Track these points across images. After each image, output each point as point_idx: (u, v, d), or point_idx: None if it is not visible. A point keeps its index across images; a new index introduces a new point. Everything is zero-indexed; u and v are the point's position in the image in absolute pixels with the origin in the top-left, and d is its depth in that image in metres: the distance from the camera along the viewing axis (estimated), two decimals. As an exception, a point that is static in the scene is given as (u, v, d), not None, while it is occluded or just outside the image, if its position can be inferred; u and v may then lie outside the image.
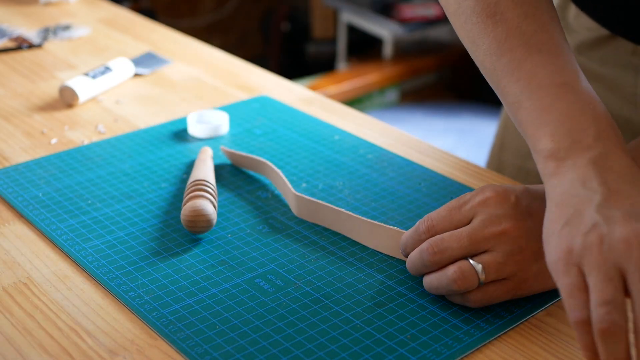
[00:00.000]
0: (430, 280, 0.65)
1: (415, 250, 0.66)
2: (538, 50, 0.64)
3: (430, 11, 2.84)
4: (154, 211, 0.79)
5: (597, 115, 0.60)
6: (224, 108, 1.01)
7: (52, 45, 1.23)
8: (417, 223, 0.67)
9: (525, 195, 0.65)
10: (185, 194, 0.77)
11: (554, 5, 0.68)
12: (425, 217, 0.67)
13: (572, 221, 0.55)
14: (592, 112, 0.60)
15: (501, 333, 0.63)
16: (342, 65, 3.04)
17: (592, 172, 0.56)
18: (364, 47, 3.09)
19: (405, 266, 0.70)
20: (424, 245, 0.65)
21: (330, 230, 0.76)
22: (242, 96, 1.06)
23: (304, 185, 0.84)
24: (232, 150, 0.88)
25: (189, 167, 0.87)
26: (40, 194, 0.81)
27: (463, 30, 0.70)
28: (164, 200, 0.81)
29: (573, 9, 0.93)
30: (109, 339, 0.62)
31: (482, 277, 0.63)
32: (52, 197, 0.81)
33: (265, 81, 1.12)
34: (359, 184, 0.84)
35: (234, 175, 0.86)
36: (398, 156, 0.90)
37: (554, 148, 0.59)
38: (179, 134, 0.95)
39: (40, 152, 0.91)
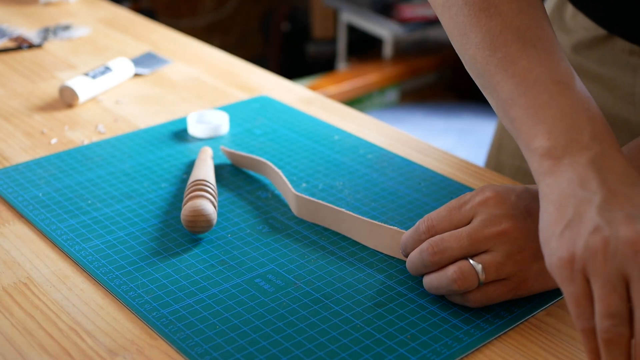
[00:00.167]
0: (430, 280, 0.65)
1: (415, 250, 0.66)
2: (533, 46, 0.62)
3: (430, 11, 2.83)
4: (154, 211, 0.79)
5: (592, 114, 0.59)
6: (224, 108, 1.01)
7: (52, 45, 1.23)
8: (417, 223, 0.67)
9: (525, 195, 0.65)
10: (185, 194, 0.77)
11: (542, 2, 0.67)
12: (425, 217, 0.67)
13: (573, 223, 0.54)
14: (587, 112, 0.59)
15: (501, 333, 0.63)
16: (342, 65, 3.04)
17: (590, 172, 0.56)
18: (364, 47, 3.09)
19: (405, 266, 0.70)
20: (424, 245, 0.65)
21: (330, 230, 0.76)
22: (242, 96, 1.06)
23: (304, 185, 0.84)
24: (232, 150, 0.88)
25: (189, 167, 0.87)
26: (40, 194, 0.81)
27: (453, 22, 0.68)
28: (164, 200, 0.81)
29: (570, 9, 0.93)
30: (109, 339, 0.62)
31: (482, 277, 0.63)
32: (52, 197, 0.81)
33: (265, 81, 1.12)
34: (359, 184, 0.84)
35: (234, 175, 0.86)
36: (398, 156, 0.90)
37: (550, 146, 0.58)
38: (179, 134, 0.95)
39: (40, 152, 0.91)
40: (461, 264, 0.63)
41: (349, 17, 2.99)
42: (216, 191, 0.79)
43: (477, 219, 0.64)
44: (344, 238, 0.75)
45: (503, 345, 0.62)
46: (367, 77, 2.82)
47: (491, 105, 0.66)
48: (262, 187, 0.84)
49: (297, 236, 0.75)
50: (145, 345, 0.62)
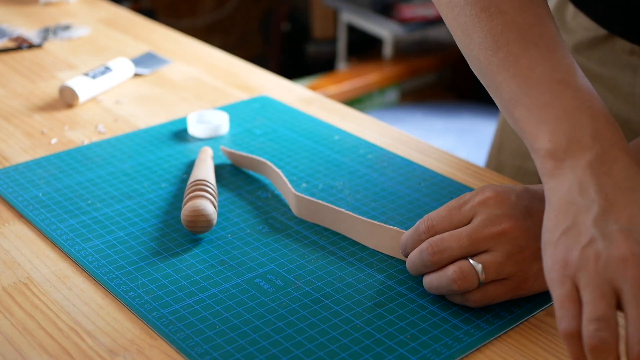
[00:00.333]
0: (430, 280, 0.65)
1: (415, 250, 0.66)
2: (535, 44, 0.62)
3: (430, 11, 2.83)
4: (154, 211, 0.79)
5: (595, 112, 0.59)
6: (224, 108, 1.01)
7: (52, 45, 1.23)
8: (417, 223, 0.67)
9: (525, 195, 0.65)
10: (185, 194, 0.77)
11: (545, 0, 0.67)
12: (425, 217, 0.67)
13: (569, 232, 0.55)
14: (590, 110, 0.59)
15: (501, 333, 0.63)
16: (342, 65, 3.04)
17: (589, 177, 0.56)
18: (364, 47, 3.09)
19: (405, 266, 0.70)
20: (424, 245, 0.65)
21: (330, 230, 0.76)
22: (242, 96, 1.06)
23: (304, 185, 0.84)
24: (232, 150, 0.88)
25: (189, 167, 0.87)
26: (40, 194, 0.81)
27: (456, 23, 0.68)
28: (164, 200, 0.81)
29: (571, 9, 0.93)
30: (109, 339, 0.62)
31: (482, 277, 0.63)
32: (52, 197, 0.81)
33: (265, 81, 1.12)
34: (359, 184, 0.84)
35: (234, 175, 0.86)
36: (398, 156, 0.90)
37: (552, 148, 0.59)
38: (179, 134, 0.95)
39: (40, 152, 0.91)
40: (461, 263, 0.63)
41: (349, 17, 2.99)
42: (216, 191, 0.79)
43: (477, 218, 0.64)
44: (344, 238, 0.75)
45: (503, 345, 0.62)
46: (367, 77, 2.82)
47: (496, 104, 0.66)
48: (262, 187, 0.84)
49: (297, 236, 0.75)
50: (145, 345, 0.62)
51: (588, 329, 0.50)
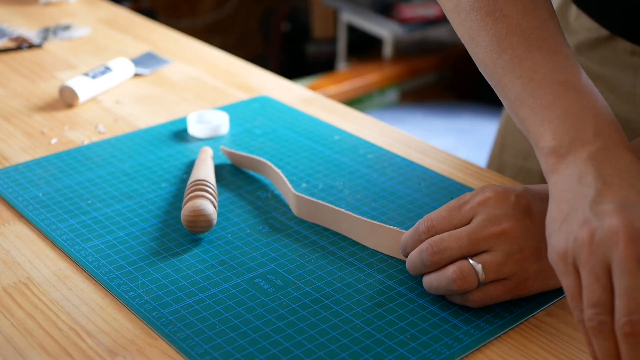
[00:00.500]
0: (430, 280, 0.65)
1: (415, 250, 0.66)
2: (538, 47, 0.63)
3: (430, 11, 2.84)
4: (154, 211, 0.79)
5: (598, 112, 0.60)
6: (224, 108, 1.01)
7: (52, 45, 1.23)
8: (417, 223, 0.67)
9: (525, 195, 0.65)
10: (185, 194, 0.77)
11: (550, 1, 0.68)
12: (425, 217, 0.67)
13: (568, 219, 0.55)
14: (592, 110, 0.60)
15: (501, 333, 0.63)
16: (342, 65, 3.04)
17: (589, 167, 0.56)
18: (364, 47, 3.09)
19: (405, 266, 0.70)
20: (424, 245, 0.65)
21: (330, 230, 0.76)
22: (242, 96, 1.06)
23: (304, 185, 0.84)
24: (232, 150, 0.88)
25: (189, 167, 0.87)
26: (40, 194, 0.81)
27: (462, 28, 0.69)
28: (164, 200, 0.81)
29: (574, 10, 0.94)
30: (109, 339, 0.62)
31: (482, 277, 0.63)
32: (52, 197, 0.81)
33: (265, 81, 1.12)
34: (359, 184, 0.84)
35: (234, 175, 0.86)
36: (398, 156, 0.90)
37: (555, 146, 0.59)
38: (179, 134, 0.95)
39: (40, 152, 0.91)
40: (461, 264, 0.63)
41: (349, 17, 2.99)
42: (216, 191, 0.79)
43: (476, 219, 0.64)
44: (344, 238, 0.75)
45: (503, 345, 0.62)
46: (367, 77, 2.82)
47: (503, 104, 0.68)
48: (262, 187, 0.84)
49: (297, 236, 0.75)
50: (145, 345, 0.62)
51: (587, 313, 0.52)
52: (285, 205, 0.80)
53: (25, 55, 1.19)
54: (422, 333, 0.63)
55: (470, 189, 0.83)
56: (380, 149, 0.92)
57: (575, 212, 0.55)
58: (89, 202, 0.80)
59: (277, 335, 0.62)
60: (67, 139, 0.94)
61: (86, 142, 0.93)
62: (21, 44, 1.22)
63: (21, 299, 0.67)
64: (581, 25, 0.92)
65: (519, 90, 0.63)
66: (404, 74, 2.91)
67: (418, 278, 0.69)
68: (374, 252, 0.73)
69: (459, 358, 0.61)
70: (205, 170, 0.81)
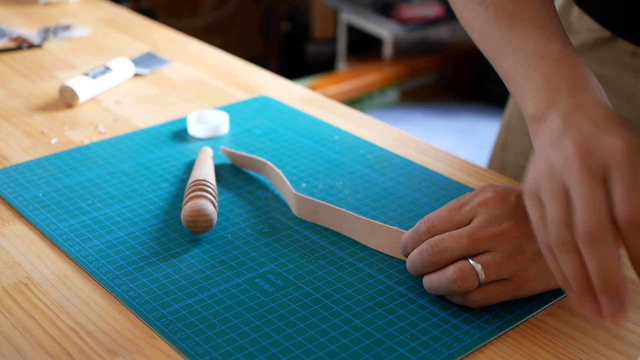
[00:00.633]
0: (430, 281, 0.66)
1: (415, 250, 0.66)
2: (524, 27, 0.67)
3: (430, 11, 2.83)
4: (154, 211, 0.79)
5: (575, 76, 0.61)
6: (224, 108, 1.01)
7: (52, 45, 1.23)
8: (417, 223, 0.67)
9: (525, 195, 0.65)
10: (185, 194, 0.77)
11: None
12: (425, 217, 0.67)
13: (536, 164, 0.58)
14: (570, 75, 0.62)
15: (501, 333, 0.63)
16: (342, 65, 3.04)
17: (560, 123, 0.58)
18: (364, 47, 3.09)
19: (405, 266, 0.70)
20: (424, 245, 0.65)
21: (330, 230, 0.76)
22: (242, 96, 1.06)
23: (304, 185, 0.84)
24: (232, 150, 0.88)
25: (189, 167, 0.87)
26: (40, 194, 0.81)
27: (462, 20, 0.75)
28: (164, 200, 0.81)
29: (576, 11, 0.94)
30: (109, 339, 0.62)
31: (482, 277, 0.63)
32: (52, 197, 0.81)
33: (265, 81, 1.12)
34: (359, 184, 0.84)
35: (234, 175, 0.86)
36: (398, 156, 0.90)
37: (535, 112, 0.62)
38: (179, 134, 0.95)
39: (40, 152, 0.91)
40: (461, 264, 0.63)
41: (349, 17, 2.99)
42: (216, 191, 0.79)
43: (477, 219, 0.64)
44: (344, 238, 0.75)
45: (503, 345, 0.62)
46: (367, 77, 2.82)
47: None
48: (262, 187, 0.84)
49: (297, 236, 0.75)
50: (145, 345, 0.62)
51: (551, 234, 0.55)
52: (285, 205, 0.80)
53: (25, 55, 1.19)
54: (422, 333, 0.63)
55: (471, 189, 0.83)
56: (380, 149, 0.92)
57: (538, 156, 0.58)
58: (89, 202, 0.80)
59: (277, 335, 0.62)
60: (67, 139, 0.94)
61: (86, 142, 0.93)
62: (21, 44, 1.22)
63: (21, 299, 0.67)
64: (583, 26, 0.93)
65: (507, 67, 0.67)
66: (404, 74, 2.91)
67: (418, 278, 0.69)
68: (374, 252, 0.73)
69: (459, 358, 0.61)
70: (205, 170, 0.81)
